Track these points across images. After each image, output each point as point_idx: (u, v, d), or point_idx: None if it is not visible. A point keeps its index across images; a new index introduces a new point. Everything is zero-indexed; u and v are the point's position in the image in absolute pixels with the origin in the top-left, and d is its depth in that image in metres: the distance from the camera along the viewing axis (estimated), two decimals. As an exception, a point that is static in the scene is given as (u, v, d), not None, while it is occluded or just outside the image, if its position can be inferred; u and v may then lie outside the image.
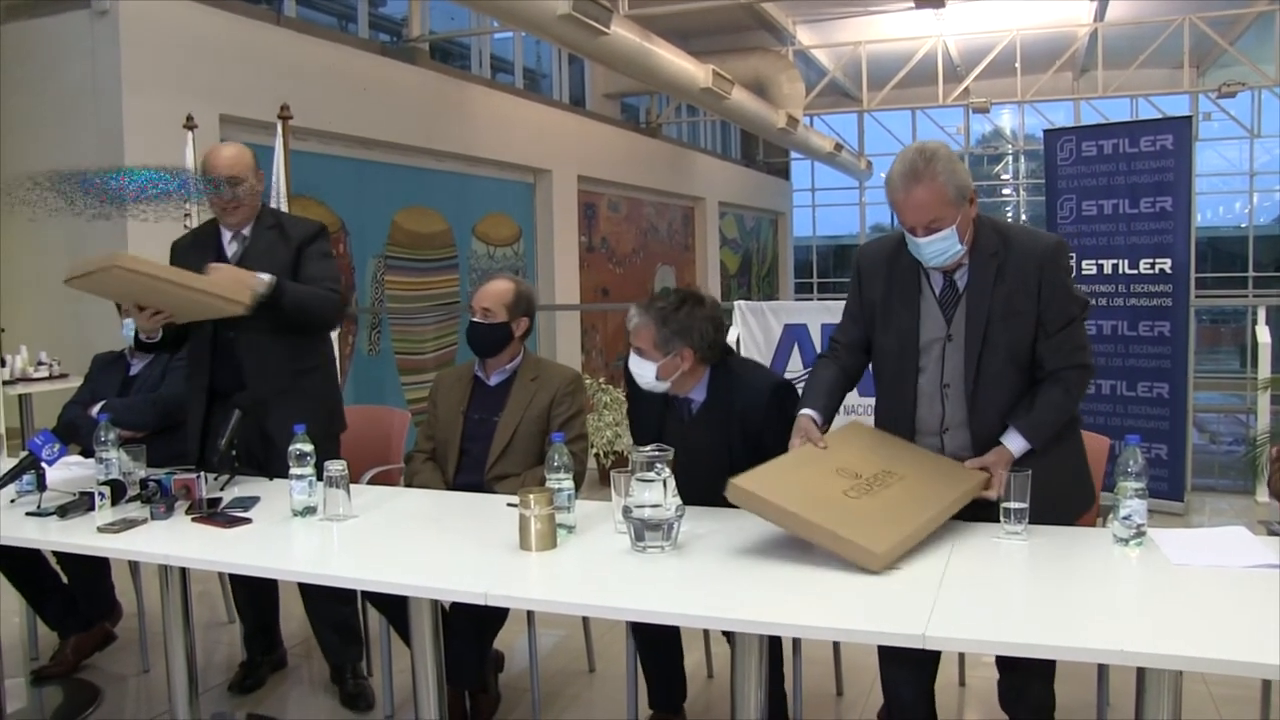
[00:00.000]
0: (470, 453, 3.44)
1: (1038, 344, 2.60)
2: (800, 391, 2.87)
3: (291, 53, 8.42)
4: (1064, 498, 2.63)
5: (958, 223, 2.53)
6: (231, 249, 3.52)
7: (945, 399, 2.68)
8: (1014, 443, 2.59)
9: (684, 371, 2.94)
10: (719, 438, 2.96)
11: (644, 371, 2.95)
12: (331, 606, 3.58)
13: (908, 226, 2.57)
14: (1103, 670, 2.91)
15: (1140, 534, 2.32)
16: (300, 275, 3.43)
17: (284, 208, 5.78)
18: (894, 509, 2.35)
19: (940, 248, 2.55)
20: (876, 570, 2.16)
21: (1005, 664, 2.81)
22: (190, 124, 5.97)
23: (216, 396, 3.45)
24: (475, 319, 3.45)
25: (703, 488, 2.66)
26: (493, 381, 3.50)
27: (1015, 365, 2.61)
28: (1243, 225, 21.37)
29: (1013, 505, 2.42)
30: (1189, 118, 6.24)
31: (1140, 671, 1.95)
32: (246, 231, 3.52)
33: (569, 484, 2.58)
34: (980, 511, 2.52)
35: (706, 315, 2.95)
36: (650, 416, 3.12)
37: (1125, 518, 2.32)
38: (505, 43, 13.54)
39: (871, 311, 2.78)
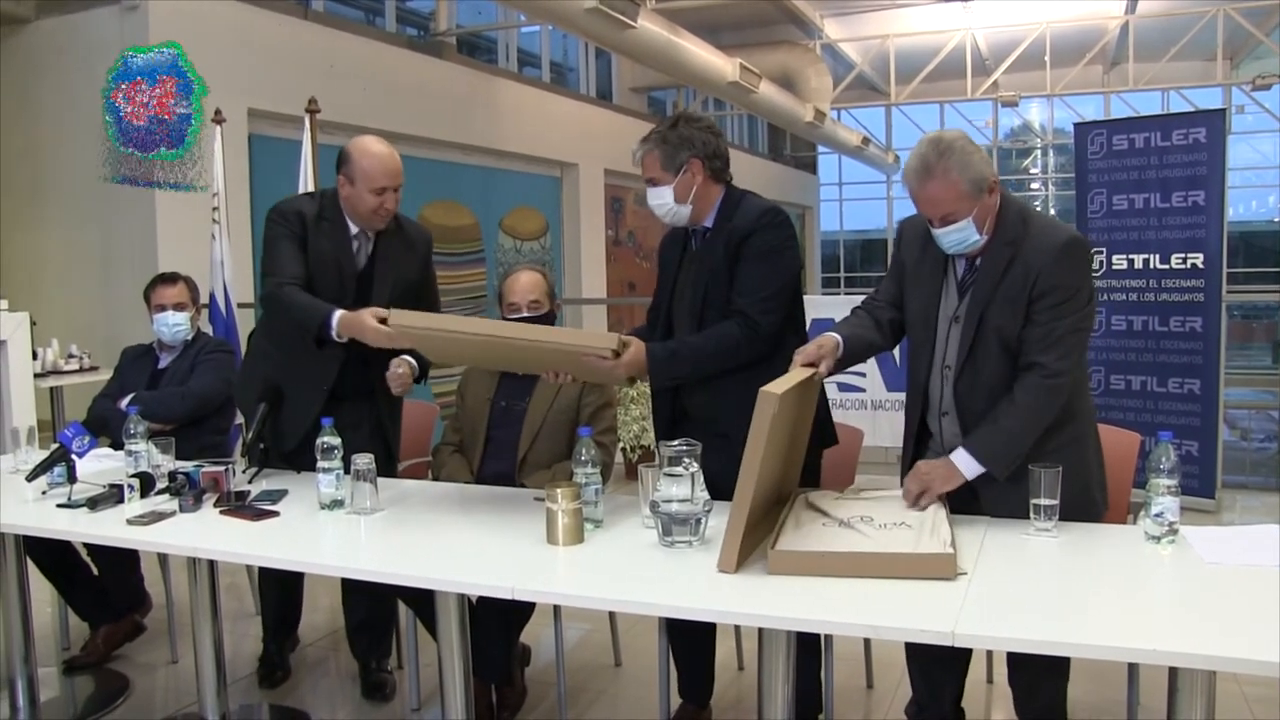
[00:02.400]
0: (496, 440, 3.44)
1: (1022, 330, 2.55)
2: (788, 221, 2.92)
3: (319, 47, 8.45)
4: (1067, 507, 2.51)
5: (974, 214, 2.51)
6: (355, 245, 3.32)
7: (944, 380, 2.68)
8: (961, 460, 2.54)
9: (698, 188, 2.87)
10: (709, 258, 2.91)
11: (663, 199, 2.89)
12: (367, 605, 3.59)
13: (925, 218, 2.59)
14: (1133, 669, 2.88)
15: (1172, 532, 2.29)
16: (422, 297, 3.41)
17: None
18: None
19: (957, 238, 2.55)
20: (953, 576, 2.10)
21: (1015, 660, 2.78)
22: (219, 118, 6.00)
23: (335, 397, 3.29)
24: (526, 313, 3.42)
25: (684, 312, 2.89)
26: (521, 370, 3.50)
27: (1005, 351, 2.57)
28: (1276, 220, 21.16)
29: (1043, 502, 2.39)
30: (1222, 111, 6.15)
31: (1172, 671, 1.93)
32: (370, 232, 3.34)
33: (596, 478, 2.57)
34: (1010, 508, 2.50)
35: (703, 125, 2.91)
36: (670, 272, 3.07)
37: (1157, 515, 2.29)
38: (532, 36, 13.55)
39: (903, 272, 2.79)
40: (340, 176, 3.26)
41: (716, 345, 2.82)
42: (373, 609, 3.60)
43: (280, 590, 3.73)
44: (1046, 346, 2.51)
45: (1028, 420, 2.52)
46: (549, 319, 3.47)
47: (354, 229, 3.31)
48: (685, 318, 2.96)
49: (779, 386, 2.24)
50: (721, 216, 2.92)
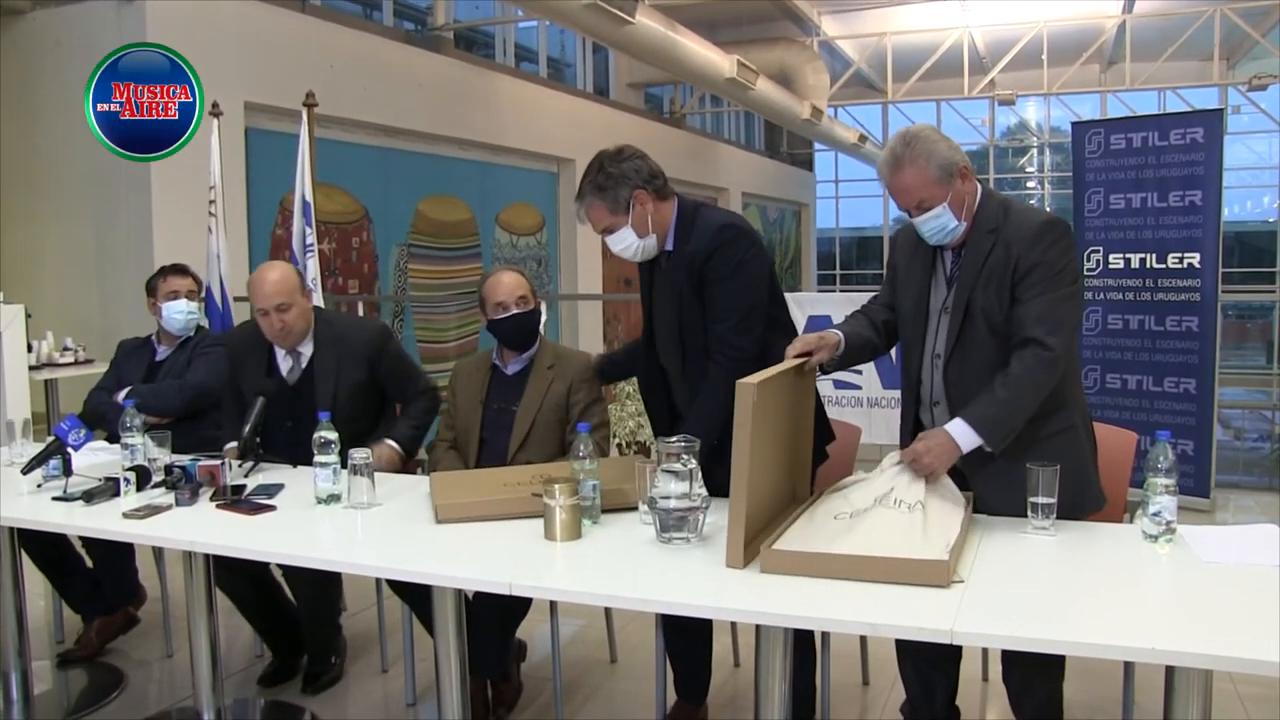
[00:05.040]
0: (490, 442, 3.43)
1: (1011, 310, 2.57)
2: (746, 231, 2.89)
3: (317, 41, 8.44)
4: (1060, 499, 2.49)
5: (949, 200, 2.57)
6: (286, 365, 3.52)
7: (935, 369, 2.70)
8: (957, 429, 2.51)
9: (653, 214, 2.85)
10: (676, 282, 2.90)
11: (626, 240, 2.87)
12: (317, 602, 3.65)
13: (902, 209, 2.65)
14: (1129, 668, 2.88)
15: (1170, 531, 2.29)
16: (392, 395, 3.61)
17: (308, 196, 5.79)
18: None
19: (936, 225, 2.60)
20: (946, 584, 2.07)
21: (1009, 658, 2.78)
22: (215, 111, 5.98)
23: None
24: (514, 311, 3.38)
25: (666, 340, 2.90)
26: (510, 370, 3.47)
27: (994, 335, 2.58)
28: (1270, 220, 21.19)
29: (1040, 500, 2.39)
30: (1220, 111, 6.16)
31: (1169, 670, 1.93)
32: (303, 348, 3.52)
33: (595, 474, 2.57)
34: (1006, 506, 2.50)
35: (628, 155, 2.87)
36: (645, 291, 3.07)
37: (1154, 514, 2.30)
38: (529, 31, 13.52)
39: (896, 275, 2.84)
40: None
41: (723, 393, 2.64)
42: (325, 609, 3.68)
43: (255, 605, 3.70)
44: (1037, 321, 2.52)
45: (1022, 391, 2.51)
46: (535, 315, 3.45)
47: (283, 349, 3.53)
48: (669, 343, 2.97)
49: (757, 377, 2.25)
50: (679, 237, 2.90)
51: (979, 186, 2.64)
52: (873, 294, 3.02)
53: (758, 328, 2.84)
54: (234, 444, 3.33)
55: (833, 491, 2.59)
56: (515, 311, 3.39)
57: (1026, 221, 2.59)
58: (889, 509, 2.37)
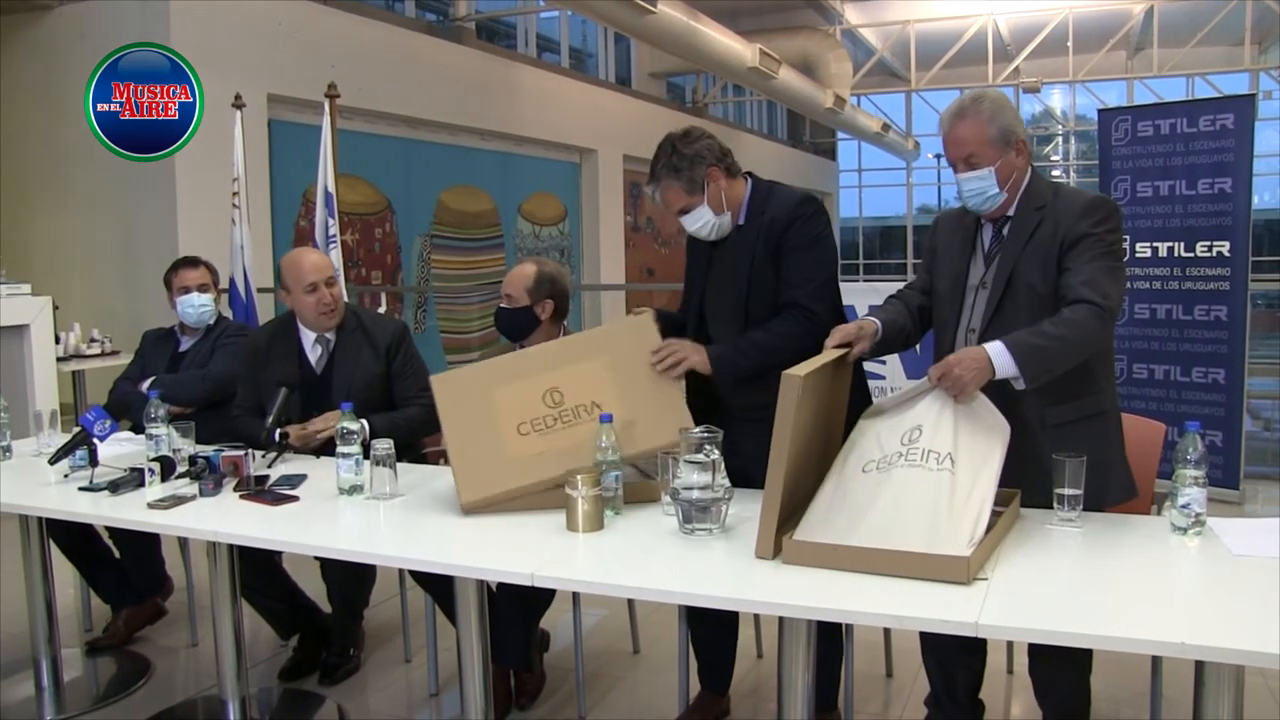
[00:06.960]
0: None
1: (1058, 279, 2.52)
2: (824, 208, 2.94)
3: (339, 32, 8.45)
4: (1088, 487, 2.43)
5: (998, 166, 2.56)
6: (315, 353, 3.56)
7: (968, 344, 2.64)
8: (994, 349, 2.38)
9: (726, 192, 2.89)
10: (745, 250, 2.91)
11: (702, 219, 2.89)
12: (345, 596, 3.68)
13: (950, 161, 2.64)
14: (1157, 661, 2.85)
15: (1199, 523, 2.26)
16: (395, 389, 3.56)
17: (331, 187, 5.80)
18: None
19: (977, 187, 2.59)
20: (967, 581, 2.02)
21: (1036, 651, 2.75)
22: (238, 103, 6.00)
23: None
24: (504, 304, 3.41)
25: (724, 307, 2.90)
26: (532, 364, 3.47)
27: (1033, 310, 2.52)
28: (1300, 207, 20.96)
29: (1066, 491, 2.36)
30: (1251, 96, 6.08)
31: (1199, 665, 1.90)
32: (330, 334, 3.57)
33: (617, 465, 2.56)
34: (1033, 498, 2.47)
35: (698, 134, 2.91)
36: (700, 268, 3.07)
37: (1184, 506, 2.27)
38: (551, 22, 13.52)
39: (934, 259, 2.83)
40: (280, 292, 3.63)
41: (782, 340, 2.79)
42: (356, 600, 3.71)
43: (277, 598, 3.70)
44: (1085, 284, 2.45)
45: (1070, 331, 2.41)
46: (519, 314, 3.37)
47: (312, 337, 3.57)
48: (726, 314, 2.95)
49: (802, 369, 2.23)
50: (753, 210, 2.92)
51: (1031, 168, 2.64)
52: (896, 283, 3.00)
53: (830, 300, 2.88)
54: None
55: (868, 417, 2.52)
56: (502, 306, 3.41)
57: (1076, 198, 2.59)
58: (916, 467, 2.29)
